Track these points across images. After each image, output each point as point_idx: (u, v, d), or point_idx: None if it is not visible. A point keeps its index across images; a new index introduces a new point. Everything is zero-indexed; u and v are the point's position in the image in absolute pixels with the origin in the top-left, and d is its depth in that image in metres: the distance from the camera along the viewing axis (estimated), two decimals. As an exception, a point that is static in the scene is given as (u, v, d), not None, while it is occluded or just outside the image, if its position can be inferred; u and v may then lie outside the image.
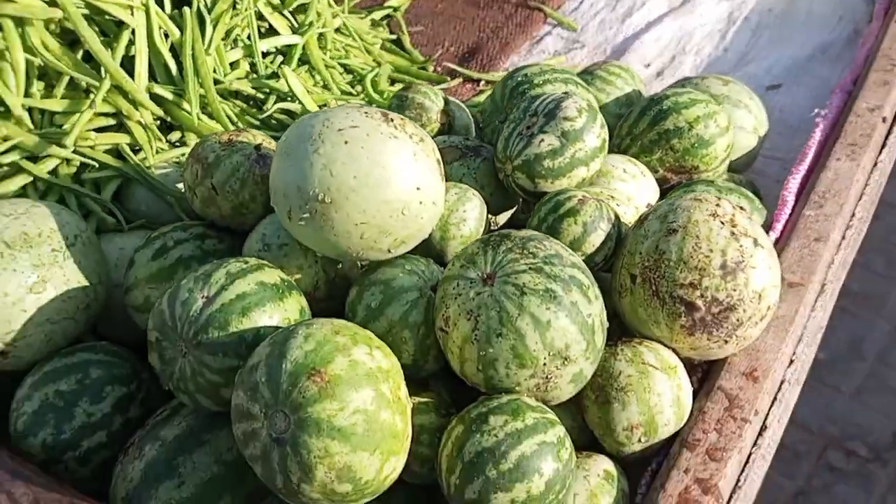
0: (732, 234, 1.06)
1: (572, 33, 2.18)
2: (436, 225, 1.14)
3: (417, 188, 1.02)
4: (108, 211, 1.34)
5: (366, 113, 1.03)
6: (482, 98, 1.90)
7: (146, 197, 1.37)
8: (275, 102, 1.54)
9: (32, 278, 1.10)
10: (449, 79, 1.97)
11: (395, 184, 1.00)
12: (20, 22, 1.35)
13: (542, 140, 1.18)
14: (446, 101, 1.42)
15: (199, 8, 1.51)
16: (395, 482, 0.98)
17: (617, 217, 1.16)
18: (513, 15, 2.22)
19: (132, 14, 1.44)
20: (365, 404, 0.88)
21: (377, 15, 2.20)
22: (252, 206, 1.19)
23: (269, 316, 1.00)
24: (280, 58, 1.67)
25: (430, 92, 1.41)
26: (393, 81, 1.93)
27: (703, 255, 1.05)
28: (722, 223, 1.07)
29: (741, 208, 1.11)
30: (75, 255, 1.15)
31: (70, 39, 1.43)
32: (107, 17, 1.44)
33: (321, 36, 1.77)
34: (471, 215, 1.16)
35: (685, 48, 2.09)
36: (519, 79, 1.38)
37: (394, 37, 2.15)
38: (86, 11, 1.41)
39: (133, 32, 1.44)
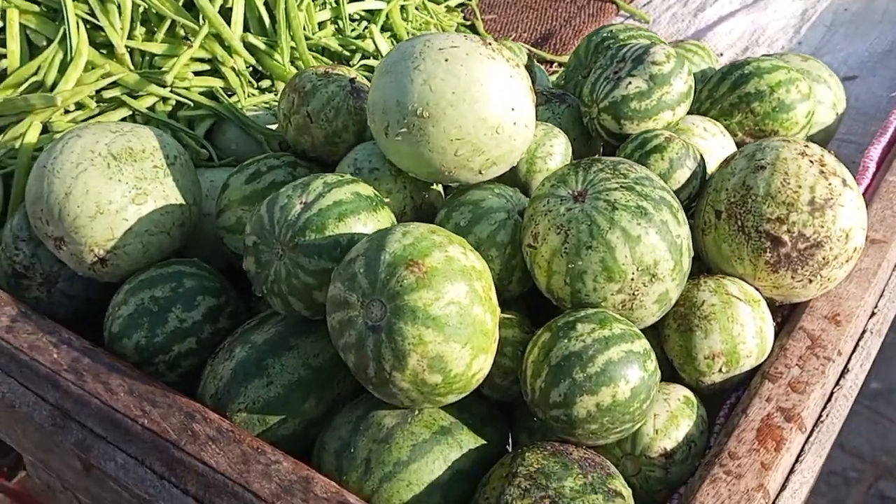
0: (821, 172, 1.07)
1: (645, 25, 2.21)
2: (523, 158, 1.17)
3: (512, 109, 1.05)
4: (201, 146, 1.40)
5: (465, 36, 1.07)
6: (555, 78, 1.93)
7: (237, 136, 1.42)
8: (360, 60, 1.59)
9: (135, 190, 1.15)
10: (523, 59, 2.01)
11: (491, 102, 1.03)
12: (130, -35, 1.43)
13: (630, 83, 1.20)
14: (529, 57, 1.45)
15: (294, -35, 1.57)
16: (474, 395, 1.00)
17: (702, 157, 1.17)
18: (585, 6, 2.26)
19: (232, -35, 1.51)
20: (459, 297, 0.90)
21: (452, 2, 2.25)
22: (344, 135, 1.23)
23: (363, 223, 1.03)
24: (364, 24, 1.72)
25: (515, 47, 1.45)
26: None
27: (792, 190, 1.06)
28: (811, 161, 1.08)
29: (829, 151, 1.12)
30: (174, 174, 1.20)
31: (172, -11, 1.51)
32: (208, -32, 1.51)
33: (403, 8, 1.82)
34: (557, 150, 1.19)
35: (758, 40, 2.10)
36: (604, 34, 1.41)
37: (468, 23, 2.20)
38: (189, -39, 1.48)
39: (232, -16, 1.51)
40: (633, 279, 0.97)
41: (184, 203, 1.21)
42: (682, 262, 1.00)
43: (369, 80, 1.59)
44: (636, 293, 0.98)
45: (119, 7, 1.41)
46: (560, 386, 0.93)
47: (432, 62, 1.03)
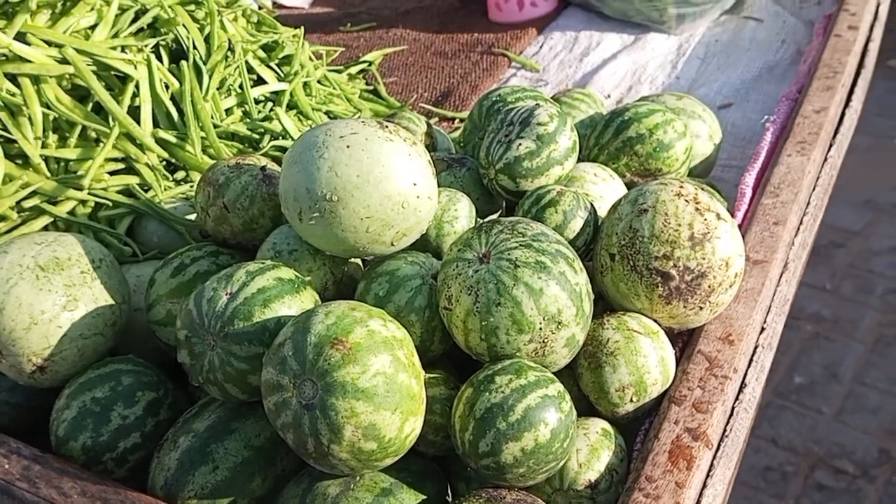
0: (697, 209, 1.19)
1: (535, 73, 2.35)
2: (431, 224, 1.26)
3: (414, 184, 1.14)
4: (124, 244, 1.45)
5: (363, 122, 1.16)
6: (457, 134, 2.04)
7: (157, 229, 1.48)
8: (269, 141, 1.67)
9: (65, 297, 1.20)
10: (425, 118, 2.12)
11: (393, 180, 1.12)
12: (36, 79, 1.48)
13: (520, 144, 1.31)
14: (428, 125, 1.55)
15: (195, 60, 1.65)
16: (411, 454, 1.08)
17: (592, 206, 1.28)
18: (479, 61, 2.39)
19: (135, 68, 1.57)
20: (384, 367, 0.98)
21: (353, 70, 2.35)
22: (261, 220, 1.30)
23: (287, 307, 1.10)
24: (270, 104, 1.80)
25: (414, 117, 1.55)
26: (374, 125, 2.06)
27: (673, 229, 1.17)
28: (686, 201, 1.20)
29: (702, 188, 1.24)
30: (101, 277, 1.25)
31: (79, 94, 1.56)
32: (112, 72, 1.57)
33: (305, 85, 1.91)
34: (462, 213, 1.29)
35: (640, 78, 2.26)
36: (494, 98, 1.52)
37: (370, 87, 2.30)
38: (93, 68, 1.54)
39: (137, 85, 1.57)
40: (541, 328, 1.07)
41: (113, 303, 1.26)
42: (583, 307, 1.10)
43: (280, 162, 1.67)
44: (546, 340, 1.08)
45: (30, 118, 1.46)
46: (486, 436, 1.01)
47: (335, 150, 1.12)
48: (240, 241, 1.33)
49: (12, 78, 1.48)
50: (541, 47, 2.46)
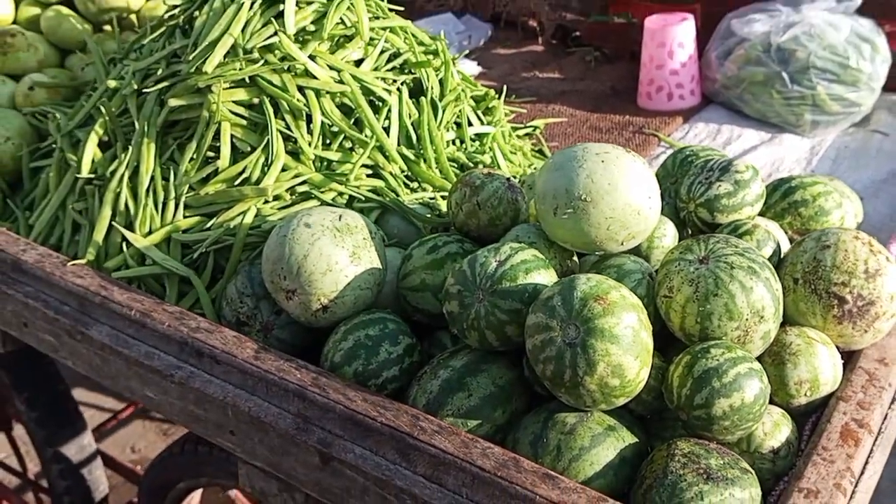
0: (871, 250, 1.46)
1: (683, 155, 2.66)
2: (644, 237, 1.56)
3: (649, 197, 1.44)
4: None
5: (612, 145, 1.48)
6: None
7: (398, 223, 1.80)
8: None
9: (353, 255, 1.51)
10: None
11: (635, 191, 1.42)
12: (318, 93, 1.84)
13: (720, 185, 1.61)
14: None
15: (431, 97, 2.00)
16: (624, 408, 1.34)
17: (777, 240, 1.57)
18: (631, 138, 2.72)
19: (389, 95, 1.93)
20: (632, 322, 1.26)
21: (521, 132, 2.70)
22: (504, 219, 1.61)
23: (541, 276, 1.40)
24: (476, 143, 2.14)
25: (615, 161, 1.86)
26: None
27: (851, 262, 1.44)
28: (863, 243, 1.47)
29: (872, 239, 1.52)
30: (375, 245, 1.57)
31: (344, 110, 1.92)
32: (371, 97, 1.93)
33: (501, 132, 2.25)
34: (669, 233, 1.58)
35: (779, 169, 2.56)
36: (687, 153, 1.84)
37: (537, 148, 2.64)
38: (359, 90, 1.90)
39: (389, 109, 1.92)
40: (747, 319, 1.34)
41: (381, 267, 1.57)
42: (779, 308, 1.37)
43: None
44: (748, 330, 1.35)
45: (308, 123, 1.81)
46: (702, 392, 1.27)
47: (592, 161, 1.43)
48: (481, 234, 1.64)
49: (299, 89, 1.84)
50: (686, 133, 2.79)
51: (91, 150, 1.87)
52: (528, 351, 1.32)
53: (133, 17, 2.53)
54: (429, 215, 1.81)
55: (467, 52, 3.55)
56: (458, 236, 1.63)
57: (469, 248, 1.61)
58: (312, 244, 1.49)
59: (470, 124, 2.15)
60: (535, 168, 2.30)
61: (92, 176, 1.86)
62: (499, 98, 2.39)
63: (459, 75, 2.37)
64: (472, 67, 3.35)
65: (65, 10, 2.43)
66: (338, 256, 1.50)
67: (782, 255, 1.57)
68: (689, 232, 1.71)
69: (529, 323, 1.31)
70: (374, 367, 1.45)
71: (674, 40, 2.81)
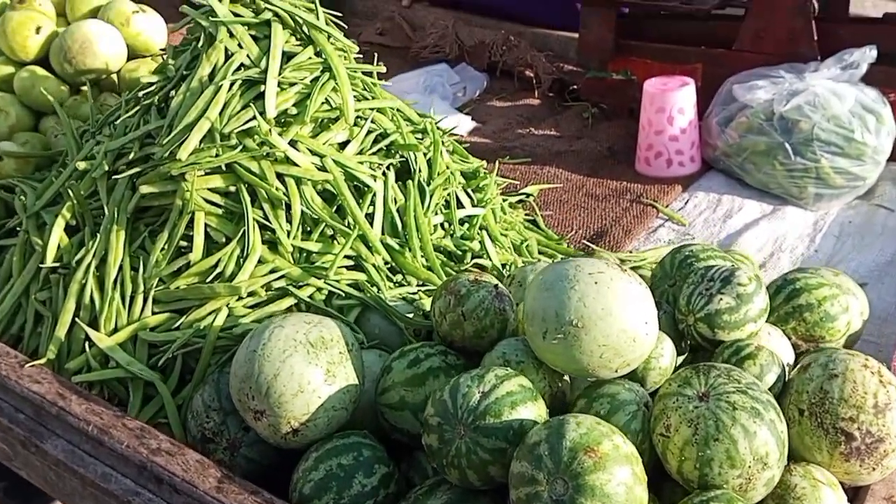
0: (881, 381, 1.36)
1: (682, 227, 2.57)
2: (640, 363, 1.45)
3: (645, 322, 1.34)
4: (353, 331, 1.67)
5: (606, 263, 1.38)
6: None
7: (380, 322, 1.70)
8: (472, 258, 1.90)
9: (327, 372, 1.41)
10: (584, 253, 2.34)
11: (631, 317, 1.32)
12: (298, 181, 1.74)
13: (721, 299, 1.51)
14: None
15: (419, 181, 1.90)
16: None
17: (783, 364, 1.46)
18: (629, 208, 2.63)
19: (374, 181, 1.83)
20: (626, 478, 1.15)
21: (513, 199, 2.61)
22: (490, 331, 1.51)
23: (528, 411, 1.29)
24: (466, 225, 2.04)
25: (610, 256, 1.76)
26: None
27: (860, 396, 1.34)
28: (872, 373, 1.37)
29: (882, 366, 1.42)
30: (352, 359, 1.46)
31: (324, 196, 1.81)
32: (355, 182, 1.83)
33: (492, 210, 2.16)
34: (666, 353, 1.48)
35: (781, 246, 2.46)
36: (686, 253, 1.74)
37: (529, 217, 2.55)
38: (342, 177, 1.80)
39: (374, 194, 1.83)
40: (749, 466, 1.23)
41: (357, 383, 1.46)
42: (784, 452, 1.27)
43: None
44: (751, 478, 1.24)
45: (291, 214, 1.71)
46: (700, 552, 1.17)
47: (585, 283, 1.33)
48: (466, 346, 1.53)
49: (279, 176, 1.74)
50: (686, 203, 2.70)
51: (57, 237, 1.77)
52: (511, 502, 1.21)
53: (114, 76, 2.43)
54: (412, 314, 1.71)
55: (461, 104, 3.46)
56: (441, 347, 1.53)
57: (452, 363, 1.50)
58: (283, 362, 1.39)
59: (459, 205, 2.05)
60: (528, 246, 2.20)
61: (57, 265, 1.76)
62: (490, 172, 2.30)
63: (450, 148, 2.28)
64: (465, 123, 3.26)
65: (40, 70, 2.32)
66: (310, 376, 1.39)
67: (787, 379, 1.47)
68: (688, 344, 1.61)
69: (514, 471, 1.21)
70: (346, 501, 1.34)
71: (673, 106, 2.72)
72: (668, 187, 2.73)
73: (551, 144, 3.10)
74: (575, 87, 3.43)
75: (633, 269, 2.04)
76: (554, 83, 3.52)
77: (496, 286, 1.55)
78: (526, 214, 2.57)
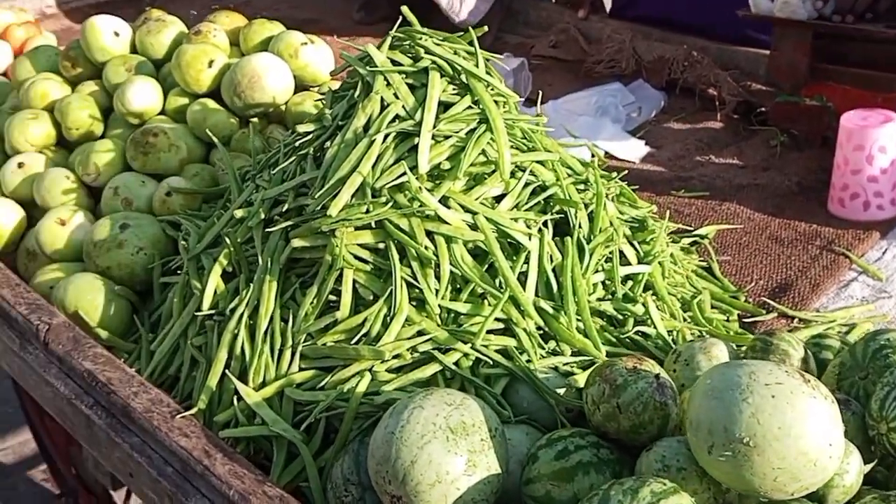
0: None
1: (878, 282, 2.28)
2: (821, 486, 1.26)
3: (829, 444, 1.16)
4: (499, 404, 1.57)
5: (786, 371, 1.20)
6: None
7: (528, 395, 1.59)
8: (634, 325, 1.75)
9: (467, 462, 1.32)
10: (764, 312, 2.12)
11: (812, 438, 1.14)
12: (448, 238, 1.66)
13: (926, 410, 1.29)
14: (805, 352, 1.56)
15: (578, 238, 1.77)
16: None
17: None
18: (818, 257, 2.36)
19: (529, 239, 1.72)
20: None
21: (685, 241, 2.41)
22: (649, 427, 1.37)
23: (686, 536, 1.15)
24: (629, 283, 1.89)
25: (793, 340, 1.56)
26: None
27: None
28: None
29: None
30: (495, 446, 1.37)
31: (474, 253, 1.72)
32: (508, 240, 1.73)
33: (660, 263, 1.98)
34: (853, 468, 1.28)
35: None
36: (882, 342, 1.50)
37: (703, 263, 2.34)
38: (495, 234, 1.70)
39: (527, 253, 1.72)
40: None
41: (500, 472, 1.36)
42: None
43: (641, 346, 1.74)
44: None
45: (440, 274, 1.64)
46: None
47: (760, 396, 1.16)
48: (622, 439, 1.40)
49: (428, 234, 1.67)
50: (883, 253, 2.39)
51: (213, 284, 1.79)
52: None
53: (281, 107, 2.46)
54: (563, 389, 1.59)
55: (635, 127, 3.27)
56: (593, 437, 1.40)
57: (605, 457, 1.37)
58: (421, 448, 1.31)
59: (623, 258, 1.90)
60: (699, 302, 2.01)
61: (212, 312, 1.78)
62: (662, 216, 2.12)
63: (616, 192, 2.12)
64: (638, 148, 3.07)
65: (211, 103, 2.38)
66: (449, 465, 1.31)
67: None
68: (878, 454, 1.39)
69: None
70: None
71: (874, 144, 2.42)
72: (863, 233, 2.43)
73: (733, 176, 2.85)
74: (763, 109, 3.14)
75: (818, 336, 1.82)
76: (739, 105, 3.24)
77: (657, 376, 1.40)
78: (700, 259, 2.37)
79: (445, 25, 3.73)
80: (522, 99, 3.40)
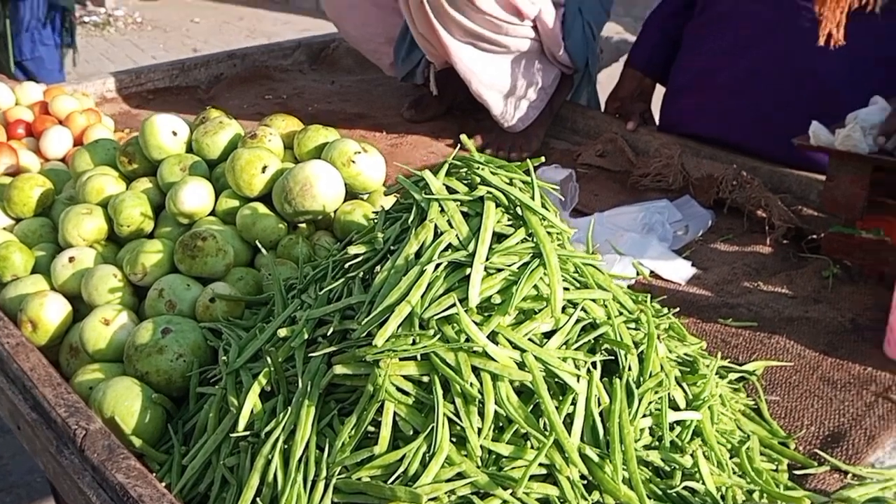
0: None
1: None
2: None
3: None
4: (538, 560, 1.49)
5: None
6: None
7: (570, 553, 1.52)
8: (681, 479, 1.67)
9: None
10: (815, 464, 2.03)
11: None
12: (495, 377, 1.62)
13: None
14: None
15: (627, 381, 1.72)
16: None
17: None
18: (873, 405, 2.26)
19: (577, 381, 1.67)
20: None
21: (733, 376, 2.33)
22: None
23: None
24: (677, 429, 1.82)
25: None
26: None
27: None
28: None
29: None
30: None
31: (521, 389, 1.67)
32: (555, 379, 1.68)
33: (709, 408, 1.91)
34: None
35: None
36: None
37: (753, 405, 2.26)
38: (543, 373, 1.65)
39: (574, 395, 1.66)
40: None
41: None
42: None
43: (689, 503, 1.66)
44: None
45: (483, 412, 1.58)
46: None
47: None
48: None
49: (474, 370, 1.62)
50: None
51: (251, 404, 1.75)
52: None
53: (331, 214, 2.46)
54: (606, 551, 1.51)
55: (681, 246, 3.23)
56: None
57: None
58: None
59: (672, 403, 1.83)
60: (748, 449, 1.92)
61: (247, 434, 1.74)
62: (714, 357, 2.06)
63: (664, 326, 2.07)
64: (685, 269, 3.01)
65: (261, 208, 2.39)
66: None
67: None
68: None
69: None
70: None
71: (936, 287, 2.35)
72: (923, 380, 2.34)
73: (782, 307, 2.78)
74: (815, 237, 3.09)
75: (874, 499, 1.72)
76: (790, 230, 3.19)
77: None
78: (747, 400, 2.29)
79: (492, 123, 3.78)
80: (569, 210, 3.39)
